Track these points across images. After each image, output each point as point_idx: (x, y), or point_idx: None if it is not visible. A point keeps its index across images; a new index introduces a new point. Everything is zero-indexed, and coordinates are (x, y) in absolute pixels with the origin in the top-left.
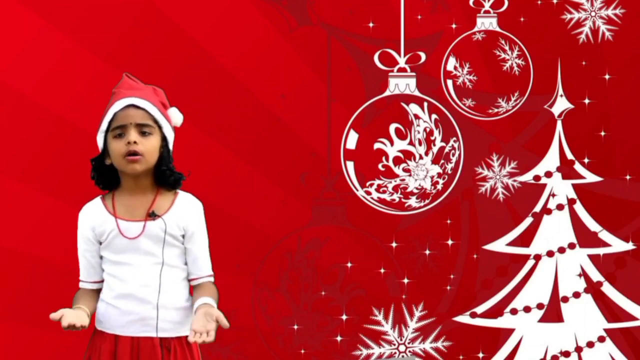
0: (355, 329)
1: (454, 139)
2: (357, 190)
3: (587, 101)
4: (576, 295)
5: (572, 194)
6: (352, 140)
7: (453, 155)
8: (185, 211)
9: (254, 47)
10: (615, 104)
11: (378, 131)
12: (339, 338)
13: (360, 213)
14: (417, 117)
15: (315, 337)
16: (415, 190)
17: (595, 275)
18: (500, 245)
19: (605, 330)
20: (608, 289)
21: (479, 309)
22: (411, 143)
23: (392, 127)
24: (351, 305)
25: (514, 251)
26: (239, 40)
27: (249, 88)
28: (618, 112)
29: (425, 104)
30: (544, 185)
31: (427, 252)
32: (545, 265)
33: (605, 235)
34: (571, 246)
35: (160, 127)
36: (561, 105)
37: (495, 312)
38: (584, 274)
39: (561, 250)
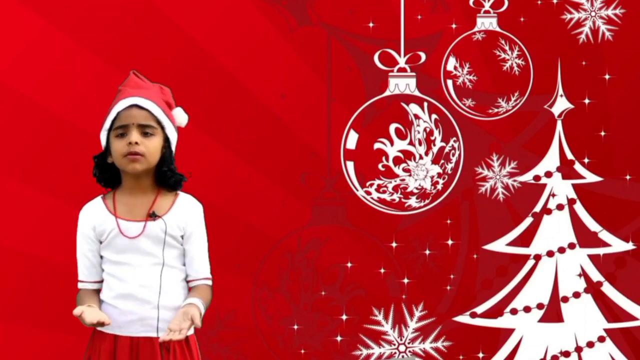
0: (355, 329)
1: (454, 139)
2: (357, 190)
3: (587, 101)
4: (576, 295)
5: (572, 194)
6: (352, 140)
7: (453, 155)
8: (185, 212)
9: (254, 47)
10: (615, 104)
11: (378, 131)
12: (339, 338)
13: (360, 213)
14: (417, 117)
15: (315, 337)
16: (415, 190)
17: (595, 275)
18: (500, 245)
19: (605, 330)
20: (608, 289)
21: (479, 309)
22: (411, 143)
23: (392, 127)
24: (351, 305)
25: (514, 251)
26: (239, 40)
27: (249, 88)
28: (618, 112)
29: (425, 104)
30: (544, 185)
31: (427, 252)
32: (545, 265)
33: (605, 235)
34: (571, 246)
35: (163, 128)
36: (561, 105)
37: (495, 312)
38: (584, 274)
39: (561, 250)
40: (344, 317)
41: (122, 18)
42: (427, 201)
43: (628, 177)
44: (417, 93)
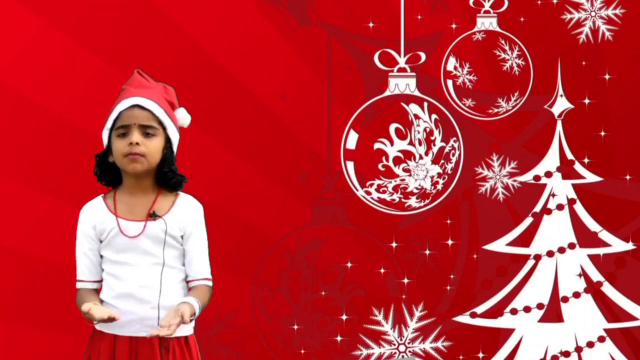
0: (355, 329)
1: (454, 139)
2: (357, 190)
3: (587, 101)
4: (576, 295)
5: (572, 194)
6: (352, 140)
7: (453, 155)
8: (186, 212)
9: (254, 47)
10: (615, 104)
11: (378, 131)
12: (339, 338)
13: (360, 213)
14: (417, 117)
15: (315, 337)
16: (415, 190)
17: (595, 275)
18: (500, 245)
19: (605, 330)
20: (608, 289)
21: (479, 309)
22: (411, 143)
23: (392, 127)
24: (351, 305)
25: (514, 251)
26: (239, 40)
27: (249, 88)
28: (618, 112)
29: (425, 104)
30: (544, 185)
31: (427, 252)
32: (545, 265)
33: (605, 235)
34: (571, 246)
35: (164, 129)
36: (561, 105)
37: (495, 312)
38: (584, 274)
39: (561, 250)
40: (344, 317)
41: (122, 18)
42: (427, 201)
43: (628, 177)
44: (417, 93)
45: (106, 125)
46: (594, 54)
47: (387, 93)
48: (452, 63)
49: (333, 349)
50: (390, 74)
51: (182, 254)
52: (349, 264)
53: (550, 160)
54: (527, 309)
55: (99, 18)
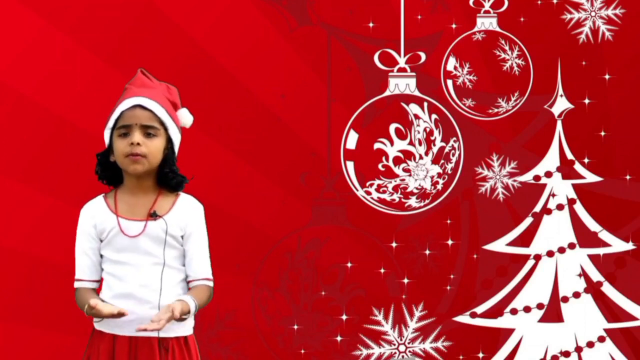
0: (355, 329)
1: (454, 139)
2: (357, 190)
3: (587, 101)
4: (576, 295)
5: (572, 194)
6: (352, 140)
7: (453, 155)
8: (186, 212)
9: (254, 47)
10: (615, 104)
11: (378, 131)
12: (339, 338)
13: (360, 213)
14: (417, 117)
15: (315, 337)
16: (415, 190)
17: (595, 275)
18: (500, 245)
19: (605, 330)
20: (608, 289)
21: (479, 309)
22: (411, 143)
23: (392, 127)
24: (351, 305)
25: (514, 251)
26: (239, 40)
27: (249, 88)
28: (618, 112)
29: (425, 104)
30: (544, 185)
31: (427, 252)
32: (545, 265)
33: (605, 235)
34: (571, 246)
35: (166, 129)
36: (561, 105)
37: (495, 312)
38: (584, 274)
39: (561, 250)
40: (344, 317)
41: (122, 18)
42: (427, 201)
43: (628, 177)
44: (417, 93)
45: (108, 124)
46: (594, 54)
47: (387, 93)
48: (452, 63)
49: (333, 349)
50: (390, 74)
51: (183, 254)
52: (349, 264)
53: (550, 160)
54: (527, 309)
55: (99, 18)
